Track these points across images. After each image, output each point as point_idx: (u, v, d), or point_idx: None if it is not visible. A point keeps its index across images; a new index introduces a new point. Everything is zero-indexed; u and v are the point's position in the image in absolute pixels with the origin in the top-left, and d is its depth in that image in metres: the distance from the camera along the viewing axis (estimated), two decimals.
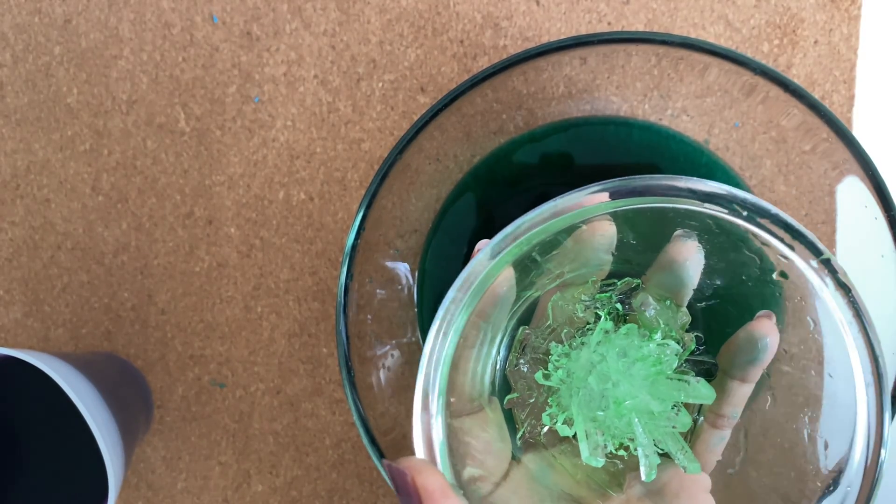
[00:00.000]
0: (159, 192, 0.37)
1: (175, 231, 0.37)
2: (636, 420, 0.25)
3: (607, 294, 0.27)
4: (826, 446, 0.24)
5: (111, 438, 0.31)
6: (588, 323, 0.27)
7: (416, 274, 0.35)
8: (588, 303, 0.27)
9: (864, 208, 0.27)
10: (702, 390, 0.25)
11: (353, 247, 0.29)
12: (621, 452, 0.26)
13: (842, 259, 0.24)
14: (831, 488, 0.23)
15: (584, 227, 0.24)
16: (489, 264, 0.23)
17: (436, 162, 0.33)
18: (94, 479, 0.32)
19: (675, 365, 0.26)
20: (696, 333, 0.27)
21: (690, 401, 0.25)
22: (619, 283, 0.27)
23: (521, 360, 0.27)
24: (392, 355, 0.33)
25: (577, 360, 0.26)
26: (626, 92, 0.33)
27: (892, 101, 0.36)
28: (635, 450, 0.25)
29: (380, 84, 0.37)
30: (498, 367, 0.29)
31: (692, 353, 0.26)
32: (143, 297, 0.38)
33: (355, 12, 0.36)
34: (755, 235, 0.23)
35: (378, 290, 0.32)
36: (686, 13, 0.36)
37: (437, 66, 0.36)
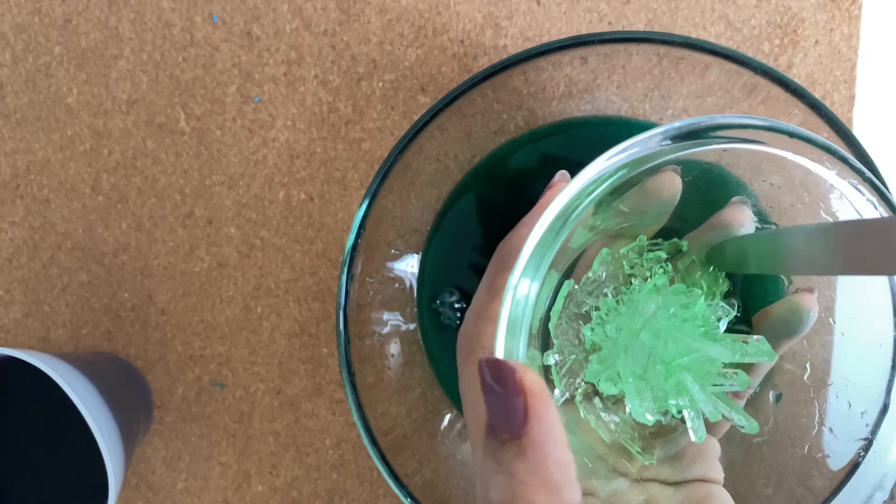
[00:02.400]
0: (159, 192, 0.37)
1: (175, 231, 0.37)
2: (689, 378, 0.24)
3: (655, 253, 0.27)
4: (861, 406, 0.23)
5: (111, 438, 0.31)
6: (633, 281, 0.26)
7: (417, 274, 0.35)
8: (637, 261, 0.26)
9: None
10: (763, 348, 0.24)
11: (354, 247, 0.29)
12: (658, 417, 0.25)
13: None
14: (862, 454, 0.22)
15: (654, 176, 0.23)
16: (587, 201, 0.21)
17: (436, 162, 0.32)
18: (94, 479, 0.32)
19: (724, 326, 0.25)
20: (734, 301, 0.26)
21: (749, 360, 0.24)
22: (665, 243, 0.27)
23: (565, 315, 0.26)
24: (392, 355, 0.33)
25: (628, 316, 0.25)
26: (626, 92, 0.33)
27: (892, 101, 0.36)
28: (679, 412, 0.25)
29: (380, 84, 0.36)
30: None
31: (731, 320, 0.26)
32: (143, 298, 0.38)
33: (355, 12, 0.36)
34: (836, 192, 0.22)
35: (378, 290, 0.32)
36: (687, 13, 0.36)
37: (437, 66, 0.36)
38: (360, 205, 0.29)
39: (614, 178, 0.21)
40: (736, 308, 0.26)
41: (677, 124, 0.21)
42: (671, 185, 0.24)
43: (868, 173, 0.22)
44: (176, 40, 0.37)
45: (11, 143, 0.38)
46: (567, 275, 0.27)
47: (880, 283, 0.23)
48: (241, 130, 0.37)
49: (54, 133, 0.38)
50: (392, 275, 0.33)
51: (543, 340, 0.27)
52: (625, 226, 0.27)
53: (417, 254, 0.34)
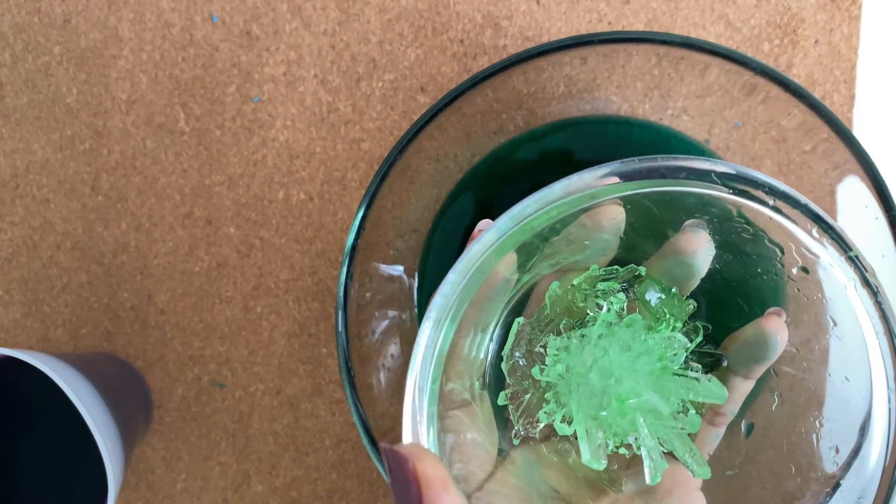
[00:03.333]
0: (159, 191, 0.37)
1: (174, 231, 0.37)
2: (641, 420, 0.23)
3: (609, 283, 0.25)
4: (836, 451, 0.23)
5: (111, 439, 0.31)
6: (588, 313, 0.25)
7: (416, 274, 0.35)
8: (588, 292, 0.25)
9: (864, 208, 0.27)
10: (713, 389, 0.24)
11: (353, 247, 0.29)
12: (622, 451, 0.25)
13: None
14: (831, 493, 0.22)
15: (592, 210, 0.22)
16: (493, 247, 0.21)
17: (436, 162, 0.32)
18: (94, 480, 0.32)
19: (681, 359, 0.24)
20: (702, 323, 0.25)
21: (700, 399, 0.24)
22: (621, 270, 0.26)
23: (517, 354, 0.26)
24: (392, 355, 0.33)
25: (578, 355, 0.24)
26: (626, 92, 0.33)
27: (892, 101, 0.36)
28: (638, 448, 0.24)
29: (380, 84, 0.36)
30: (489, 359, 0.27)
31: (699, 344, 0.25)
32: (143, 298, 0.38)
33: (355, 12, 0.36)
34: (779, 226, 0.21)
35: (378, 290, 0.32)
36: (686, 13, 0.36)
37: (437, 66, 0.36)
38: (360, 205, 0.29)
39: (534, 221, 0.21)
40: (700, 332, 0.25)
41: (603, 170, 0.21)
42: (613, 217, 0.23)
43: (825, 218, 0.21)
44: (175, 40, 0.37)
45: (11, 143, 0.38)
46: (518, 312, 0.27)
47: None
48: (241, 130, 0.37)
49: (54, 133, 0.38)
50: (391, 274, 0.33)
51: (501, 378, 0.26)
52: (573, 259, 0.26)
53: (417, 253, 0.34)
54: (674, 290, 0.25)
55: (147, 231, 0.38)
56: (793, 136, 0.29)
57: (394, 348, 0.33)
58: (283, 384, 0.38)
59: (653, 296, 0.25)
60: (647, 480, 0.24)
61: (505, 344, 0.26)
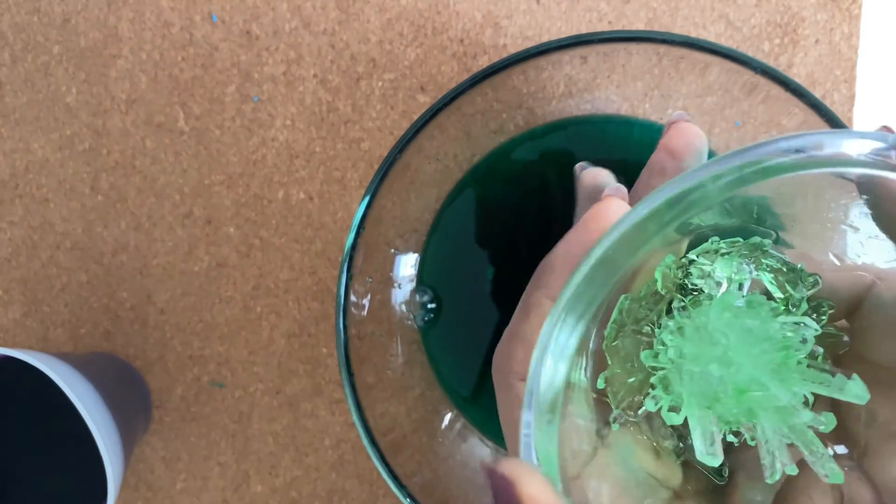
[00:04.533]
0: (158, 191, 0.37)
1: (174, 231, 0.37)
2: (764, 420, 0.21)
3: (730, 256, 0.22)
4: None
5: (110, 439, 0.31)
6: (701, 291, 0.22)
7: (416, 274, 0.34)
8: (707, 267, 0.22)
9: None
10: (853, 389, 0.20)
11: (353, 246, 0.29)
12: (731, 438, 0.22)
13: None
14: None
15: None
16: (659, 230, 0.17)
17: (435, 161, 0.32)
18: (94, 480, 0.31)
19: (808, 349, 0.21)
20: (826, 301, 0.22)
21: (836, 396, 0.21)
22: (744, 242, 0.22)
23: (621, 334, 0.23)
24: (392, 355, 0.33)
25: (694, 339, 0.21)
26: (626, 91, 0.33)
27: (892, 101, 0.36)
28: (752, 440, 0.21)
29: (379, 83, 0.36)
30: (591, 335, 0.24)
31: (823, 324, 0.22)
32: (142, 297, 0.38)
33: (355, 11, 0.36)
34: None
35: (377, 290, 0.32)
36: (687, 12, 0.35)
37: (436, 66, 0.36)
38: (360, 204, 0.29)
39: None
40: (826, 312, 0.22)
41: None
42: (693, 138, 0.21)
43: None
44: (175, 40, 0.37)
45: (10, 143, 0.38)
46: (625, 286, 0.23)
47: None
48: (241, 130, 0.37)
49: (53, 132, 0.38)
50: (391, 274, 0.33)
51: (601, 358, 0.23)
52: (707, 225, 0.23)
53: (417, 253, 0.34)
54: (799, 265, 0.22)
55: (147, 231, 0.37)
56: None
57: (394, 348, 0.33)
58: (283, 384, 0.38)
59: (775, 272, 0.22)
60: (767, 479, 0.21)
61: (606, 324, 0.23)
